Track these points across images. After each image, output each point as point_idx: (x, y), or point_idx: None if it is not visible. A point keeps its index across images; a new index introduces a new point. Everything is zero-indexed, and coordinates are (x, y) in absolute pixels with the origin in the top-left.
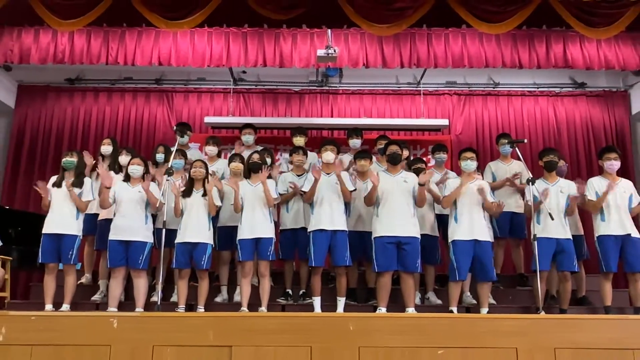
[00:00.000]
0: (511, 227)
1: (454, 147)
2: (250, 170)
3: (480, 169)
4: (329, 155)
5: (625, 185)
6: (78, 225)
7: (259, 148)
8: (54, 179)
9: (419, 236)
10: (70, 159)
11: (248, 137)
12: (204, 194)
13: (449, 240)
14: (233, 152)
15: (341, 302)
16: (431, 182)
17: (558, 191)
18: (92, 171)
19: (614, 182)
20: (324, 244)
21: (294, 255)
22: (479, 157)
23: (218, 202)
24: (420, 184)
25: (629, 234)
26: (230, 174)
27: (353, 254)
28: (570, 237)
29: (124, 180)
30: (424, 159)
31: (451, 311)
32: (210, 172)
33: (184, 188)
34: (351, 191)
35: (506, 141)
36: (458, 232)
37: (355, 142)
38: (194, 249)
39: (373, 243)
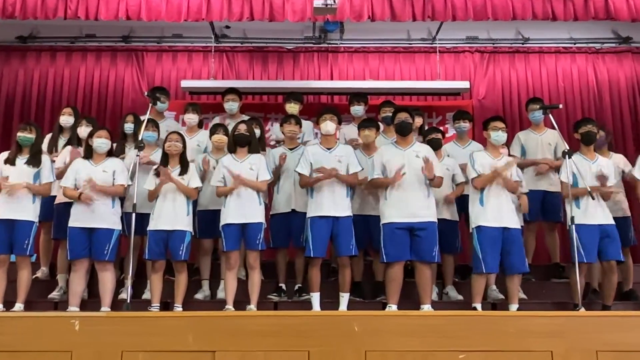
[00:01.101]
0: (543, 208)
1: (476, 113)
2: (236, 143)
3: (508, 141)
4: (328, 126)
5: None
6: (35, 209)
7: (245, 117)
8: (5, 154)
9: (436, 220)
10: (28, 135)
11: (232, 105)
12: (182, 173)
13: (473, 226)
14: (215, 121)
15: (344, 298)
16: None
17: (597, 170)
18: (50, 147)
19: None
20: (325, 231)
21: (288, 244)
22: (506, 126)
23: (197, 183)
24: (430, 179)
25: None
26: (213, 148)
27: (358, 242)
28: (613, 222)
29: (85, 157)
30: (441, 128)
31: (474, 308)
32: (204, 162)
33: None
34: (358, 172)
35: (537, 106)
36: (484, 216)
37: (358, 110)
38: (170, 237)
39: (381, 229)
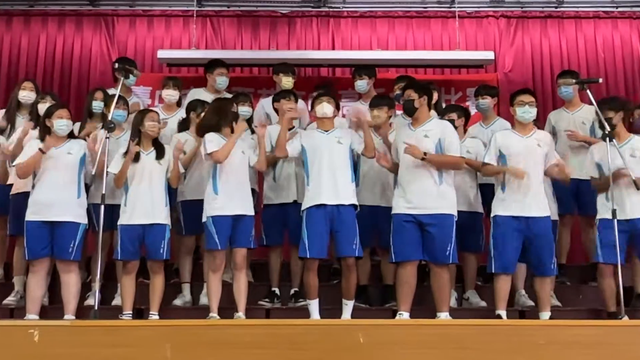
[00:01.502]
0: (578, 199)
1: (502, 89)
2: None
3: (540, 121)
4: (325, 108)
5: None
6: None
7: (228, 95)
8: None
9: (454, 213)
10: None
11: (223, 80)
12: (158, 157)
13: (491, 216)
14: (192, 96)
15: (348, 306)
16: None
17: (631, 152)
18: (8, 127)
19: None
20: (324, 226)
21: (283, 241)
22: (537, 103)
23: (180, 169)
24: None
25: None
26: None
27: (364, 239)
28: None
29: (40, 139)
30: (463, 105)
31: (498, 316)
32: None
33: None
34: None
35: (573, 80)
36: (503, 204)
37: (361, 85)
38: (148, 233)
39: (392, 222)
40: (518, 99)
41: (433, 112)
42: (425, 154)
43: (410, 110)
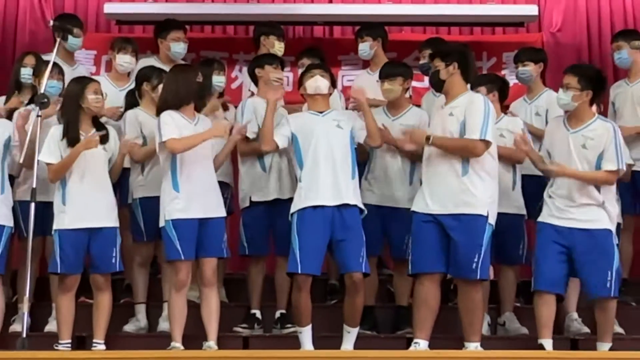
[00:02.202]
0: (637, 197)
1: (549, 53)
2: (200, 97)
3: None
4: (317, 83)
5: None
6: None
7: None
8: None
9: (484, 213)
10: None
11: (180, 47)
12: (102, 141)
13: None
14: (143, 64)
15: (351, 333)
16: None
17: None
18: None
19: None
20: (321, 232)
21: (268, 250)
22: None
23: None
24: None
25: None
26: (146, 100)
27: (371, 247)
28: None
29: None
30: (499, 74)
31: (541, 346)
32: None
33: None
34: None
35: (637, 43)
36: (548, 209)
37: (363, 49)
38: (94, 239)
39: (412, 224)
40: (564, 78)
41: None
42: (428, 137)
43: (437, 85)
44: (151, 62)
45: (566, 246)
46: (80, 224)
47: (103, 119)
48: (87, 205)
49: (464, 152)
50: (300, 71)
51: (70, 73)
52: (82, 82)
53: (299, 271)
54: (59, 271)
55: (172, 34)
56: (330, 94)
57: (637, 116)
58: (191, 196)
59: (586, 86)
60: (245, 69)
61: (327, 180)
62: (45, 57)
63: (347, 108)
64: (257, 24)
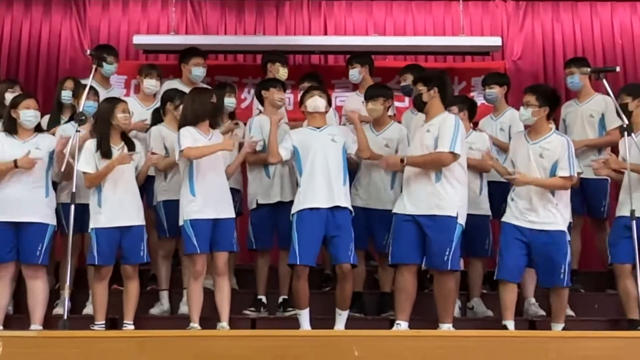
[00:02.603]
0: (589, 200)
1: (510, 78)
2: (213, 115)
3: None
4: (316, 102)
5: None
6: None
7: (205, 85)
8: None
9: (454, 214)
10: None
11: (200, 71)
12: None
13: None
14: (167, 87)
15: (342, 316)
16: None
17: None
18: None
19: None
20: (317, 230)
21: (272, 244)
22: (548, 94)
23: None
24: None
25: None
26: (169, 118)
27: (359, 243)
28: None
29: (7, 132)
30: (468, 96)
31: (504, 326)
32: (144, 125)
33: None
34: (352, 154)
35: (586, 69)
36: (509, 211)
37: (353, 74)
38: (126, 236)
39: (393, 222)
40: (524, 99)
41: None
42: (402, 160)
43: (419, 106)
44: (175, 84)
45: (526, 243)
46: (114, 223)
47: (131, 133)
48: (119, 207)
49: (434, 164)
50: (300, 93)
51: (105, 95)
52: (112, 102)
53: (298, 262)
54: (95, 263)
55: (193, 60)
56: (327, 112)
57: (586, 131)
58: (206, 200)
59: (543, 103)
60: (253, 91)
61: (322, 186)
62: (83, 81)
63: (340, 123)
64: (265, 53)
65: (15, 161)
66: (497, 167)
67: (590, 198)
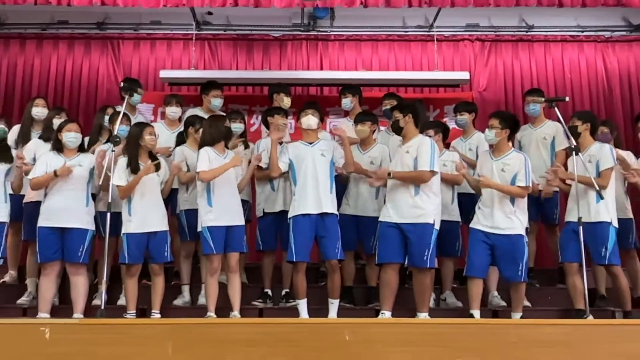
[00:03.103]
0: (541, 209)
1: (478, 105)
2: (226, 138)
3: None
4: (310, 120)
5: None
6: (5, 210)
7: (222, 113)
8: None
9: (431, 222)
10: None
11: (218, 102)
12: (155, 169)
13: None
14: (189, 113)
15: (334, 305)
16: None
17: (586, 161)
18: (22, 141)
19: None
20: (309, 232)
21: (276, 246)
22: (509, 119)
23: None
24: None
25: None
26: (191, 141)
27: (348, 244)
28: (600, 221)
29: (55, 151)
30: (442, 121)
31: (471, 315)
32: (167, 151)
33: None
34: (339, 168)
35: (541, 99)
36: (476, 218)
37: (346, 102)
38: (152, 239)
39: (378, 228)
40: (489, 122)
41: None
42: (389, 173)
43: (397, 130)
44: (196, 111)
45: (490, 244)
46: (142, 229)
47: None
48: (146, 215)
49: (416, 180)
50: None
51: (133, 120)
52: (141, 126)
53: (295, 259)
54: (126, 262)
55: (213, 92)
56: (319, 128)
57: (540, 151)
58: (220, 210)
59: (505, 126)
60: (260, 117)
61: (312, 196)
62: (117, 109)
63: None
64: (270, 85)
65: (55, 171)
66: (467, 178)
67: (543, 207)
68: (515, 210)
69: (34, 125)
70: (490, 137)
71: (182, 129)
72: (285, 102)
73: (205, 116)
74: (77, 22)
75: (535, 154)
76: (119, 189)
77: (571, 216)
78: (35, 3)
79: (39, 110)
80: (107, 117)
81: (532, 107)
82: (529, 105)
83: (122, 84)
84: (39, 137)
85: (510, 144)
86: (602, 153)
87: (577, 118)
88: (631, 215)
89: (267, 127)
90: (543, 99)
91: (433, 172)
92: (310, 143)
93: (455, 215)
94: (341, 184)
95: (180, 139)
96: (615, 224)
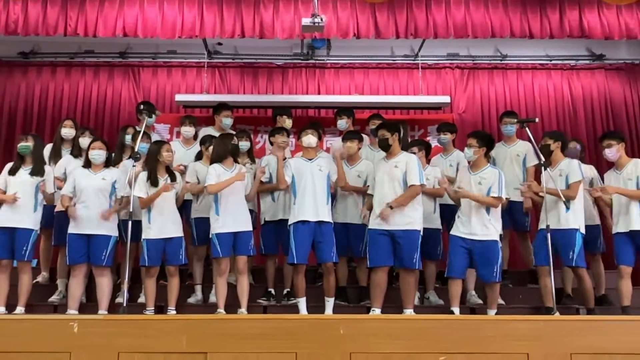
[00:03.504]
0: (514, 218)
1: (458, 126)
2: (233, 154)
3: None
4: (310, 139)
5: (630, 172)
6: (35, 218)
7: (232, 131)
8: (9, 166)
9: (418, 228)
10: (25, 144)
11: (228, 121)
12: (172, 182)
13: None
14: (203, 133)
15: (330, 302)
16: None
17: (557, 175)
18: (54, 157)
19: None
20: (307, 237)
21: (278, 250)
22: (485, 138)
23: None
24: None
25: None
26: (204, 157)
27: (340, 249)
28: (568, 227)
29: (84, 166)
30: (425, 140)
31: (452, 312)
32: (179, 169)
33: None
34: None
35: (514, 120)
36: (455, 226)
37: (342, 123)
38: (168, 244)
39: (368, 235)
40: (467, 141)
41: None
42: (391, 207)
43: (385, 147)
44: (210, 131)
45: (468, 249)
46: (160, 235)
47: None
48: (163, 223)
49: (413, 197)
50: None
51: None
52: (159, 144)
53: (295, 261)
54: (146, 264)
55: (224, 112)
56: (317, 146)
57: (513, 167)
58: (226, 218)
59: (482, 145)
60: (264, 136)
61: (310, 205)
62: (137, 128)
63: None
64: (274, 108)
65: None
66: (448, 190)
67: (516, 216)
68: (490, 218)
69: (63, 143)
70: (469, 155)
71: (196, 146)
72: (287, 123)
73: (217, 134)
74: (101, 51)
75: (508, 169)
76: (140, 200)
77: (543, 224)
78: (65, 34)
79: (67, 131)
80: (127, 136)
81: (509, 128)
82: (506, 126)
83: (141, 107)
84: (69, 154)
85: (486, 160)
86: (571, 168)
87: (549, 137)
88: (599, 222)
89: (272, 144)
90: (515, 120)
91: (422, 185)
92: (310, 159)
93: (437, 224)
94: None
95: (199, 155)
96: (583, 230)
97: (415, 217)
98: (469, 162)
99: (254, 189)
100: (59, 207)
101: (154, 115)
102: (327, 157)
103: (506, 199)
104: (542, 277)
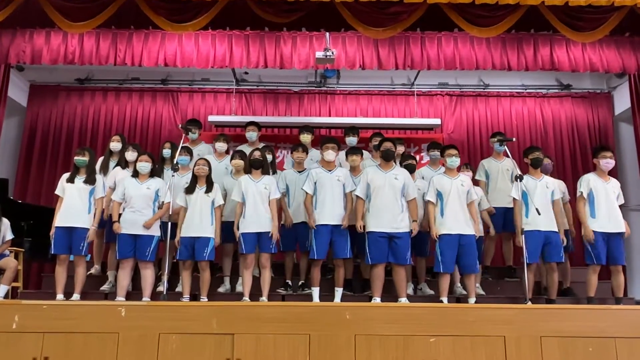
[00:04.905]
0: (504, 221)
1: (446, 144)
2: (252, 166)
3: (473, 166)
4: (330, 155)
5: (614, 185)
6: (89, 218)
7: (261, 145)
8: (66, 175)
9: (410, 230)
10: (82, 158)
11: (252, 134)
12: (207, 191)
13: (437, 234)
14: (236, 149)
15: (338, 292)
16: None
17: (544, 186)
18: (103, 168)
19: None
20: (326, 237)
21: (295, 248)
22: (470, 155)
23: (220, 201)
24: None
25: (617, 231)
26: (233, 170)
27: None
28: (557, 230)
29: (132, 176)
30: (417, 156)
31: (441, 301)
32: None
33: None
34: (351, 191)
35: (495, 139)
36: (443, 226)
37: (352, 140)
38: (196, 242)
39: (366, 237)
40: (447, 152)
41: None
42: (415, 220)
43: (389, 157)
44: (244, 147)
45: (455, 245)
46: (191, 234)
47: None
48: (194, 224)
49: (417, 208)
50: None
51: (195, 151)
52: (196, 161)
53: (316, 257)
54: (177, 258)
55: (249, 127)
56: (335, 160)
57: (505, 180)
58: (251, 220)
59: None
60: (284, 151)
61: (330, 210)
62: (178, 144)
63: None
64: (299, 127)
65: (115, 222)
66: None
67: (508, 219)
68: (472, 219)
69: (112, 155)
70: (457, 161)
71: (227, 159)
72: (302, 138)
73: (248, 149)
74: (146, 78)
75: (501, 181)
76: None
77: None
78: (115, 64)
79: (114, 145)
80: (165, 150)
81: (500, 146)
82: (497, 144)
83: (181, 125)
84: (117, 165)
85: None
86: (557, 183)
87: (541, 153)
88: (567, 227)
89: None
90: (495, 139)
91: (415, 200)
92: (330, 170)
93: (426, 227)
94: None
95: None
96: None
97: (406, 221)
98: (449, 168)
99: (288, 218)
100: (108, 212)
101: (191, 133)
102: (344, 169)
103: (492, 207)
104: (529, 272)
